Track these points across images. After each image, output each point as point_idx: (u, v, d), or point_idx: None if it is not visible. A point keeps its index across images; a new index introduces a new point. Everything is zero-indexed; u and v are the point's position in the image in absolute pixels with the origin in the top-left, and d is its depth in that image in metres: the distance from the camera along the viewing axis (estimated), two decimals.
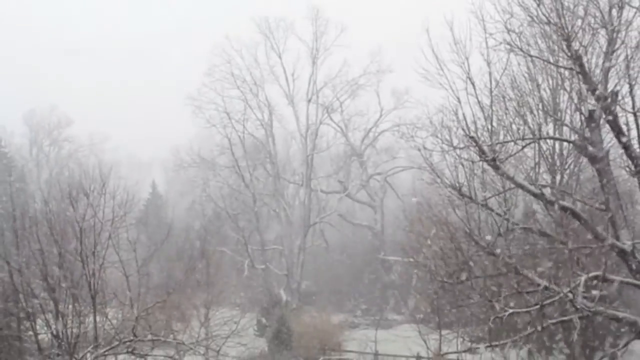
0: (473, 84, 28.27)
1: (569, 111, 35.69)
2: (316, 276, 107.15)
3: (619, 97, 27.53)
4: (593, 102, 28.15)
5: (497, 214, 30.36)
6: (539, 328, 29.83)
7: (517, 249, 32.69)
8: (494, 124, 29.40)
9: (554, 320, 30.95)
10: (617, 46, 27.79)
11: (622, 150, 29.45)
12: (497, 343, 33.46)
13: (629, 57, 27.90)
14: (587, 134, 29.02)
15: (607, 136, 30.90)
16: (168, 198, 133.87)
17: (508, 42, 29.30)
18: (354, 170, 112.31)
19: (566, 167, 39.82)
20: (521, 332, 31.64)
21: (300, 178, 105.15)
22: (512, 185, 29.71)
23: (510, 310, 27.42)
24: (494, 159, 27.64)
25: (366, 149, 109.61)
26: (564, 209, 29.94)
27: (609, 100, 27.01)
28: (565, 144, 37.73)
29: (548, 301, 28.15)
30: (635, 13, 27.18)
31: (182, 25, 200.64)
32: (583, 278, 26.55)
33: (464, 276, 31.43)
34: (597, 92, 27.20)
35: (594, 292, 27.71)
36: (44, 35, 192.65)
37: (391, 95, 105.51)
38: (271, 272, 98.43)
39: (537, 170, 34.70)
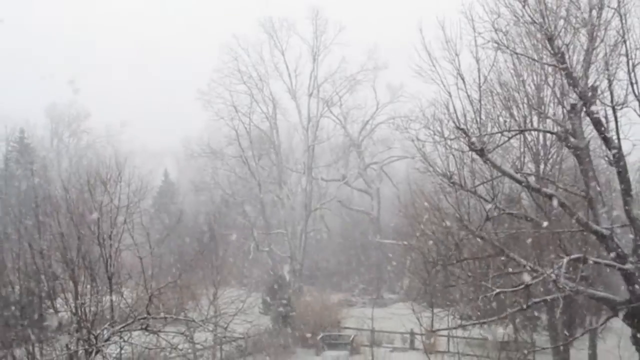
0: (463, 79, 28.28)
1: (552, 105, 35.70)
2: (317, 258, 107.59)
3: (599, 92, 27.55)
4: (574, 96, 28.19)
5: (485, 200, 30.42)
6: (524, 306, 29.87)
7: (504, 232, 32.72)
8: (483, 116, 29.38)
9: (538, 299, 31.00)
10: (596, 44, 27.81)
11: (601, 141, 29.51)
12: (485, 320, 33.57)
13: (608, 55, 27.93)
14: (569, 126, 29.00)
15: (588, 128, 30.94)
16: (179, 186, 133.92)
17: (495, 41, 29.31)
18: (352, 160, 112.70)
19: (549, 156, 39.85)
20: (507, 310, 31.70)
21: (302, 167, 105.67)
22: (499, 174, 29.73)
23: (497, 290, 27.45)
24: (482, 149, 27.63)
25: (363, 140, 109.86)
26: (547, 195, 29.99)
27: (589, 94, 27.04)
28: (548, 135, 37.77)
29: (533, 281, 28.17)
30: (614, 14, 27.18)
31: (192, 24, 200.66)
32: (565, 260, 26.56)
33: (454, 258, 31.51)
34: (578, 87, 27.23)
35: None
36: (64, 33, 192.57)
37: (387, 90, 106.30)
38: (275, 255, 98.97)
39: (522, 159, 34.80)
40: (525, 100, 33.24)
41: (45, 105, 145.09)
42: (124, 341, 32.41)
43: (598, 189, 29.54)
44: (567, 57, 27.82)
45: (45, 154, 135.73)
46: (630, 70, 26.75)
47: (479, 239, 30.69)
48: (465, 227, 30.42)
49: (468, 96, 28.65)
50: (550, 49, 27.59)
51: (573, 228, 31.77)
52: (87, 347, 29.04)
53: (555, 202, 30.27)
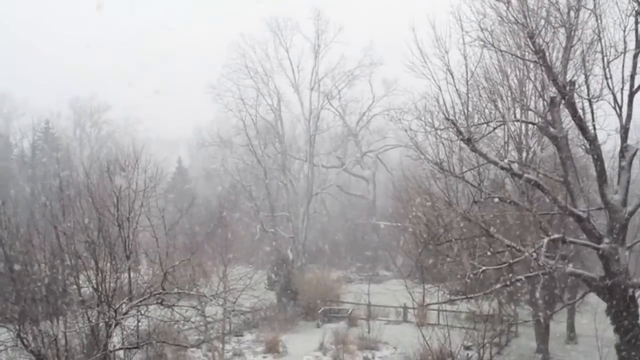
0: (452, 74, 28.32)
1: (533, 98, 35.65)
2: (318, 238, 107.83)
3: (576, 86, 27.60)
4: (554, 90, 28.22)
5: (472, 185, 30.44)
6: (508, 283, 29.90)
7: (489, 215, 32.71)
8: (470, 108, 29.41)
9: (520, 277, 30.99)
10: (574, 42, 27.88)
11: (578, 131, 29.56)
12: (472, 296, 33.58)
13: (585, 52, 28.03)
14: (549, 117, 29.04)
15: (566, 119, 30.97)
16: (191, 172, 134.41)
17: (482, 39, 29.37)
18: (350, 148, 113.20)
19: (531, 145, 39.86)
20: (493, 287, 31.72)
21: (304, 155, 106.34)
22: (485, 161, 29.77)
23: (483, 268, 27.47)
24: (469, 139, 27.68)
25: (360, 130, 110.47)
26: (529, 181, 30.00)
27: (568, 88, 27.07)
28: (530, 125, 37.70)
29: (516, 260, 28.24)
30: (590, 14, 27.26)
31: (203, 24, 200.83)
32: (545, 240, 26.64)
33: (443, 238, 31.55)
34: (558, 82, 27.26)
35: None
36: (85, 32, 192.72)
37: (382, 84, 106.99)
38: (280, 235, 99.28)
39: (506, 148, 34.73)
40: (509, 94, 33.24)
41: (69, 98, 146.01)
42: (141, 314, 32.49)
43: (575, 174, 29.62)
44: (547, 54, 27.88)
45: (69, 143, 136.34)
46: (605, 66, 26.89)
47: (466, 221, 30.73)
48: (454, 210, 30.47)
49: (456, 90, 28.72)
50: (531, 46, 27.63)
51: (553, 211, 31.90)
52: (107, 320, 29.10)
53: (536, 187, 30.40)
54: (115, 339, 31.72)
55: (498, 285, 31.29)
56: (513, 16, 27.88)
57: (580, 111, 27.75)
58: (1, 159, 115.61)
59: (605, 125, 28.21)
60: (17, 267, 29.14)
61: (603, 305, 29.21)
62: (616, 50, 26.91)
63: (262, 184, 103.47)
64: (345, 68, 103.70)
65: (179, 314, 32.87)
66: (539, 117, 31.19)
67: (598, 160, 27.98)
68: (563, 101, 27.73)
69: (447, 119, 28.08)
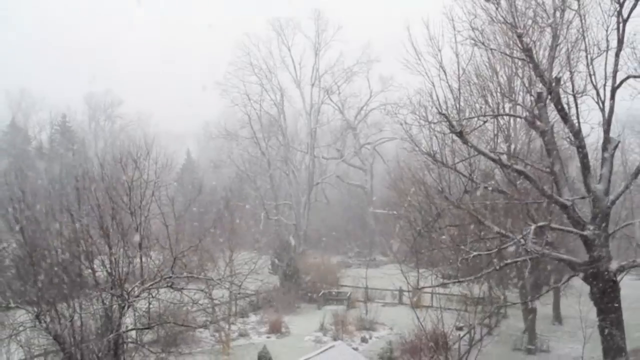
0: (444, 71, 28.31)
1: (521, 93, 35.71)
2: (318, 225, 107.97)
3: (562, 82, 27.62)
4: (540, 86, 28.24)
5: (463, 175, 30.45)
6: (497, 267, 29.91)
7: (480, 203, 32.73)
8: (461, 103, 29.43)
9: (509, 261, 31.03)
10: (560, 41, 27.94)
11: (563, 125, 29.58)
12: (463, 279, 33.59)
13: (569, 50, 28.10)
14: (536, 112, 29.05)
15: (552, 113, 31.03)
16: (200, 163, 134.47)
17: (472, 38, 29.35)
18: (348, 141, 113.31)
19: (519, 138, 39.90)
20: (483, 271, 31.75)
21: (305, 147, 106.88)
22: (476, 153, 29.77)
23: (474, 253, 27.49)
24: (461, 132, 27.67)
25: (359, 124, 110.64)
26: (517, 171, 30.04)
27: (554, 84, 27.08)
28: (518, 119, 37.84)
29: (504, 246, 28.27)
30: (575, 15, 27.30)
31: (210, 24, 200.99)
32: (533, 227, 26.63)
33: (436, 225, 31.56)
34: (544, 78, 27.26)
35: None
36: (99, 31, 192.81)
37: (379, 80, 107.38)
38: (282, 223, 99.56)
39: (495, 140, 34.80)
40: (498, 90, 33.28)
41: (84, 94, 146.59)
42: (152, 297, 32.53)
43: (561, 165, 29.64)
44: (534, 52, 27.89)
45: (84, 135, 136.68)
46: (589, 64, 26.93)
47: (458, 209, 30.77)
48: (446, 199, 30.52)
49: (449, 86, 28.73)
50: (519, 45, 27.64)
51: (539, 199, 31.92)
52: (120, 302, 29.11)
53: (524, 177, 30.44)
54: (128, 320, 31.80)
55: (488, 270, 31.35)
56: (502, 16, 27.89)
57: (565, 106, 27.79)
58: (20, 151, 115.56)
59: (589, 119, 28.31)
60: (35, 252, 29.14)
61: (587, 288, 29.24)
62: (599, 49, 26.96)
63: (266, 175, 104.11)
64: (344, 65, 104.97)
65: (187, 296, 32.92)
66: (527, 112, 31.18)
67: (582, 152, 28.02)
68: (549, 96, 27.73)
69: (440, 113, 28.07)
